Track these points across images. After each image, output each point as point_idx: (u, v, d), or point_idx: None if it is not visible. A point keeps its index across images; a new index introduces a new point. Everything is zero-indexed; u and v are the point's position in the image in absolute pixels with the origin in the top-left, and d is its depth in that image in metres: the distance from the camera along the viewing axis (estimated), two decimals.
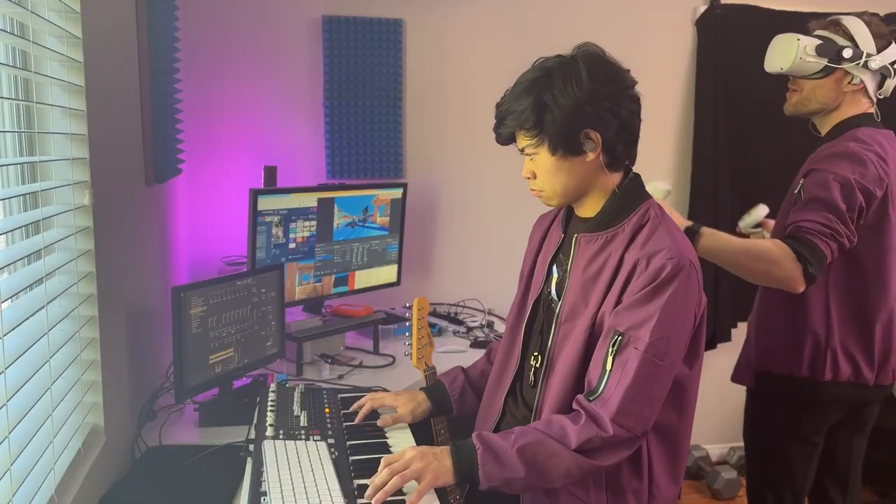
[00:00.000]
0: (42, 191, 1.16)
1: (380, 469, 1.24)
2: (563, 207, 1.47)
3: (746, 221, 2.04)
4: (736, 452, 3.20)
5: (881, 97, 1.84)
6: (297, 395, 1.64)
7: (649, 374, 1.23)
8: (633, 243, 1.31)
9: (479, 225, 2.83)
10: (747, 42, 2.74)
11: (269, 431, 1.45)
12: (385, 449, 1.47)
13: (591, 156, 1.31)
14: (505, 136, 1.37)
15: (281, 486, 1.23)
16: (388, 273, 2.55)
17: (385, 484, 1.21)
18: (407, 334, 1.69)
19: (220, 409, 1.76)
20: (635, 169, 1.41)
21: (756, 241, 1.74)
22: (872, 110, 1.84)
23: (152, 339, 1.85)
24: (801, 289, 1.67)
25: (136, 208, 1.72)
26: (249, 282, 1.84)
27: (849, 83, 1.79)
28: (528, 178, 1.38)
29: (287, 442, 1.41)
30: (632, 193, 1.37)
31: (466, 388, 1.62)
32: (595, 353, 1.29)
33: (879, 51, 1.77)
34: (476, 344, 2.44)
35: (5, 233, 1.07)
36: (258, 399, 1.65)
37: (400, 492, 1.23)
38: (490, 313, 2.72)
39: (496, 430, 1.48)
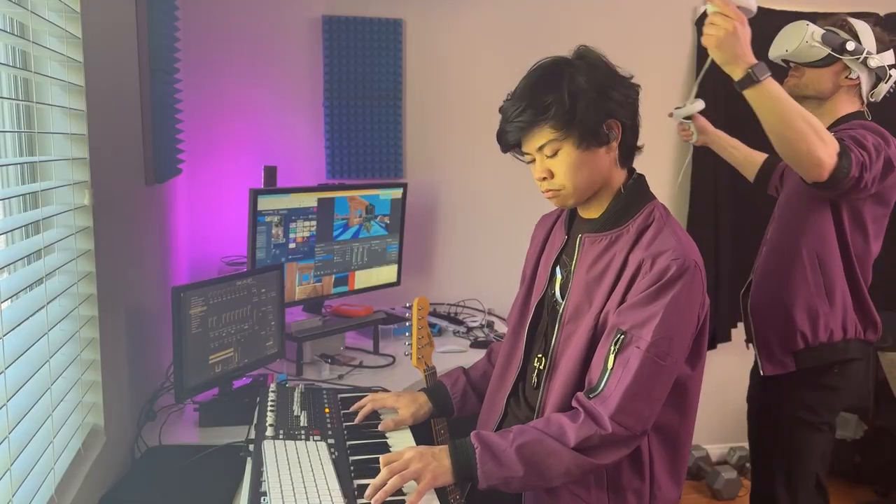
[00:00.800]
0: (42, 191, 1.15)
1: (380, 469, 1.25)
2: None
3: (681, 112, 2.06)
4: (736, 452, 3.20)
5: (872, 100, 1.90)
6: (297, 395, 1.64)
7: (650, 374, 1.23)
8: (637, 244, 1.30)
9: (479, 225, 2.83)
10: None
11: (269, 431, 1.45)
12: (385, 449, 1.47)
13: (613, 146, 1.31)
14: (514, 139, 1.34)
15: (281, 486, 1.23)
16: (388, 273, 2.55)
17: (384, 483, 1.21)
18: (407, 334, 1.69)
19: (220, 409, 1.76)
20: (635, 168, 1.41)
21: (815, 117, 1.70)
22: (864, 111, 1.90)
23: (152, 339, 1.84)
24: (825, 176, 1.65)
25: (136, 208, 1.72)
26: (249, 282, 1.84)
27: (846, 77, 1.86)
28: (544, 177, 1.34)
29: (287, 442, 1.41)
30: (636, 193, 1.37)
31: (468, 390, 1.62)
32: (597, 351, 1.29)
33: (879, 52, 1.85)
34: (476, 344, 2.44)
35: (5, 233, 1.07)
36: (258, 399, 1.65)
37: (400, 491, 1.23)
38: (490, 313, 2.72)
39: (498, 429, 1.48)
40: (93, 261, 1.31)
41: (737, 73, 1.61)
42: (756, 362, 2.00)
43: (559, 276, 1.43)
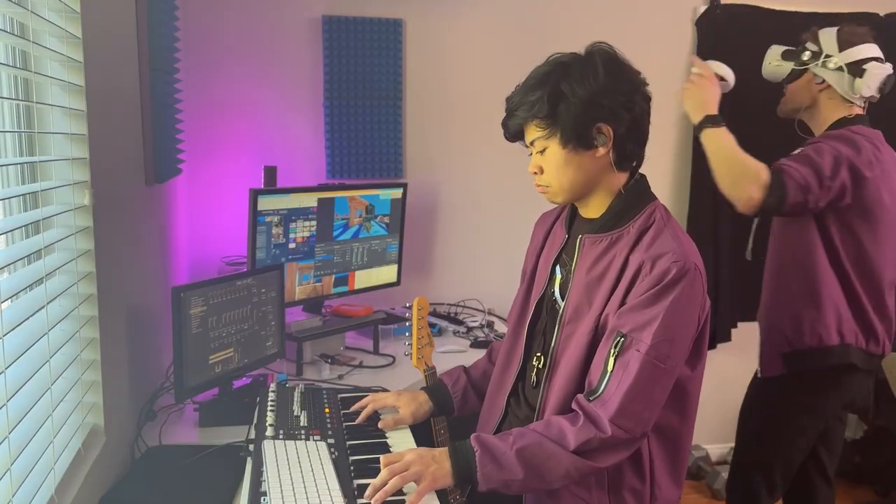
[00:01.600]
0: (42, 191, 1.15)
1: (381, 470, 1.24)
2: (567, 206, 1.46)
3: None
4: None
5: (857, 97, 1.94)
6: (297, 395, 1.64)
7: (650, 377, 1.23)
8: (638, 245, 1.30)
9: (479, 225, 2.83)
10: (747, 42, 2.74)
11: (269, 431, 1.45)
12: (385, 449, 1.47)
13: (601, 151, 1.31)
14: (514, 129, 1.36)
15: (281, 486, 1.23)
16: (388, 273, 2.55)
17: (384, 484, 1.21)
18: (407, 334, 1.69)
19: (220, 409, 1.76)
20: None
21: (753, 159, 1.85)
22: (862, 112, 1.96)
23: (152, 339, 1.84)
24: (748, 213, 1.85)
25: (136, 208, 1.72)
26: (249, 282, 1.84)
27: (817, 83, 1.96)
28: (535, 172, 1.37)
29: (287, 442, 1.41)
30: (638, 194, 1.36)
31: (468, 389, 1.62)
32: (597, 354, 1.29)
33: (844, 50, 1.92)
34: (476, 344, 2.44)
35: (5, 233, 1.07)
36: (258, 399, 1.65)
37: (400, 492, 1.23)
38: (490, 313, 2.72)
39: (498, 429, 1.48)
40: (93, 261, 1.31)
41: (696, 119, 1.95)
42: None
43: (559, 275, 1.43)
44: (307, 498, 1.20)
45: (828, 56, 1.92)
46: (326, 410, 1.59)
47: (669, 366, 1.25)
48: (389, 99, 2.66)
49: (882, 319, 1.91)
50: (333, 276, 2.38)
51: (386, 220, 2.50)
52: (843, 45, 1.91)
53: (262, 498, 1.21)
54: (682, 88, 1.97)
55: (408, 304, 1.72)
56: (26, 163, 1.19)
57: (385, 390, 1.81)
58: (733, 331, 2.97)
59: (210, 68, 2.47)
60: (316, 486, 1.24)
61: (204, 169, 2.51)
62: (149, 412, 1.72)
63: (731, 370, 2.64)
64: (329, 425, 1.52)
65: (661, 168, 2.97)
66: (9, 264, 1.05)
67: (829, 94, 1.95)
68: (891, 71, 1.91)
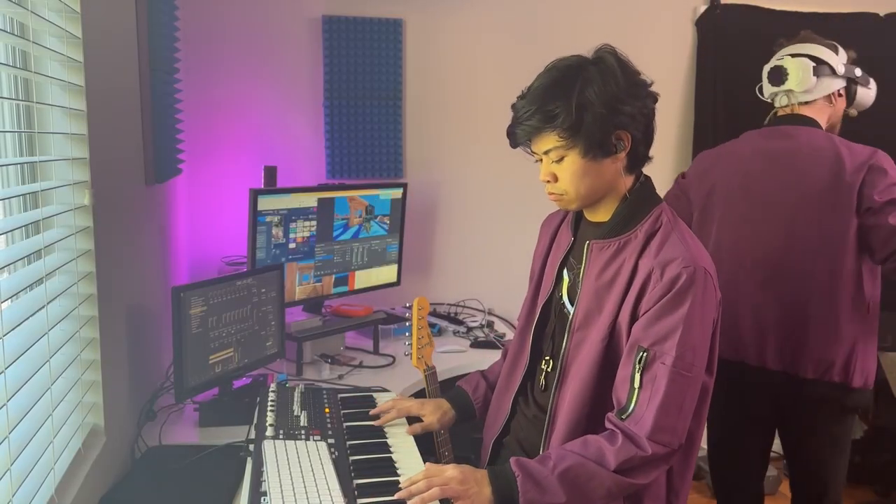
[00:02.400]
0: (42, 191, 1.15)
1: (420, 476, 1.23)
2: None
3: None
4: None
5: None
6: (297, 395, 1.64)
7: (679, 388, 1.22)
8: (646, 250, 1.29)
9: (479, 225, 2.83)
10: (747, 42, 2.75)
11: (269, 431, 1.45)
12: (385, 449, 1.47)
13: (620, 157, 1.29)
14: (523, 138, 1.32)
15: (281, 486, 1.23)
16: (388, 273, 2.55)
17: (422, 491, 1.20)
18: (407, 334, 1.70)
19: (220, 409, 1.76)
20: None
21: None
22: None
23: (152, 339, 1.85)
24: None
25: (136, 208, 1.72)
26: (249, 282, 1.84)
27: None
28: (548, 181, 1.33)
29: (287, 442, 1.41)
30: (644, 198, 1.35)
31: (488, 395, 1.61)
32: (620, 370, 1.28)
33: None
34: (476, 344, 2.44)
35: (5, 233, 1.07)
36: (258, 399, 1.65)
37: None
38: (490, 313, 2.72)
39: (505, 428, 1.48)
40: (93, 261, 1.31)
41: None
42: None
43: (566, 279, 1.42)
44: (307, 498, 1.20)
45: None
46: (326, 410, 1.59)
47: (695, 373, 1.24)
48: (389, 99, 2.66)
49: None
50: (333, 276, 2.38)
51: (386, 220, 2.50)
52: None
53: (262, 498, 1.21)
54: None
55: (408, 304, 1.72)
56: (26, 163, 1.19)
57: (385, 390, 1.81)
58: None
59: (210, 68, 2.47)
60: (316, 486, 1.24)
61: (204, 169, 2.51)
62: (149, 412, 1.72)
63: None
64: (329, 425, 1.52)
65: (661, 167, 2.97)
66: (9, 264, 1.05)
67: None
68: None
